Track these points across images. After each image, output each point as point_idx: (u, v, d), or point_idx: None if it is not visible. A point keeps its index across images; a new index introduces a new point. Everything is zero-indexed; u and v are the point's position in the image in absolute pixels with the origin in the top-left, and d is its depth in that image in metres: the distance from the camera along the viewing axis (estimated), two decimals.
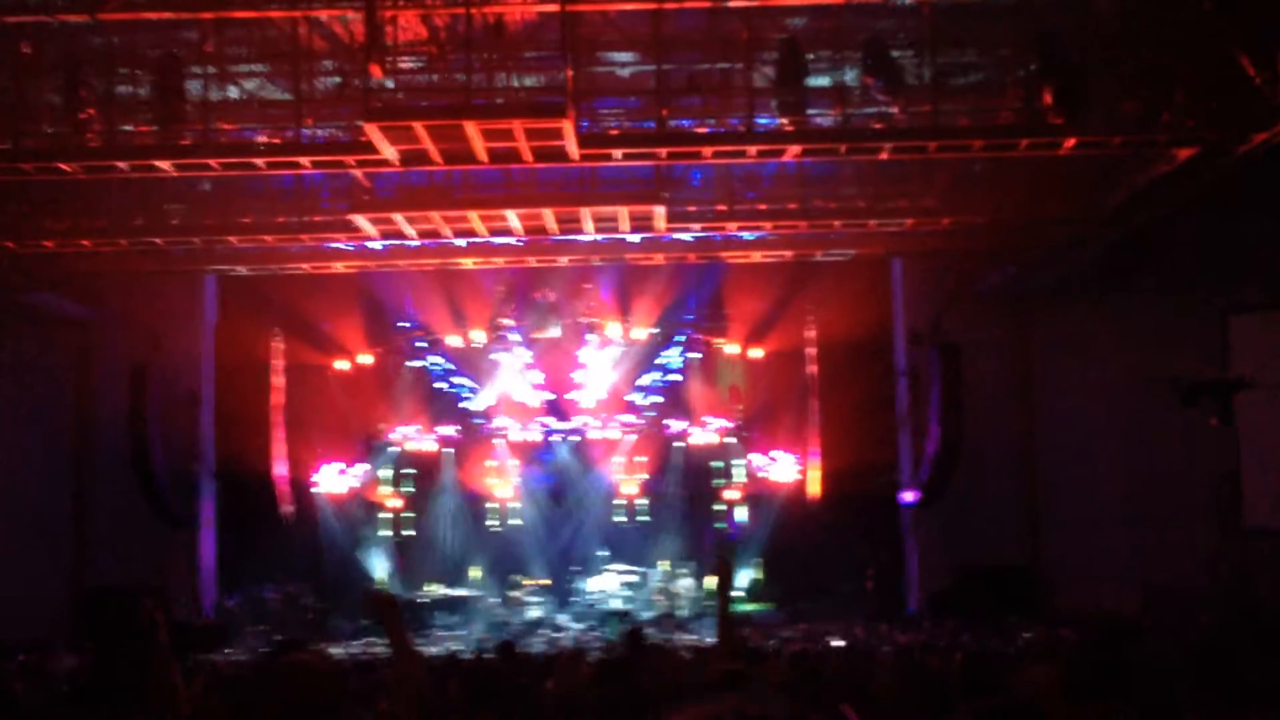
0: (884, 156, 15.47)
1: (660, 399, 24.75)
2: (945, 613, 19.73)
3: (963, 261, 20.30)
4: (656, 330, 24.18)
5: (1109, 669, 4.97)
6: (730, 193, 18.38)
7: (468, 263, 21.28)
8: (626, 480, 24.71)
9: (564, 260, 21.50)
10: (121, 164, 15.17)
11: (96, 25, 14.34)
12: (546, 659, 12.87)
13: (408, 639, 4.82)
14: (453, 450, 24.84)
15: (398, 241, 19.06)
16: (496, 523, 24.73)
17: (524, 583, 23.30)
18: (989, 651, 12.78)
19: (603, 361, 24.42)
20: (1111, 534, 19.47)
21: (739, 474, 24.63)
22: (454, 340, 23.98)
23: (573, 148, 14.40)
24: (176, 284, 21.41)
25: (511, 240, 19.33)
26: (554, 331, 23.52)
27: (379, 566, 24.11)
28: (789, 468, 23.93)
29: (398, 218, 17.58)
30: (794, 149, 15.12)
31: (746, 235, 19.72)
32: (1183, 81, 14.01)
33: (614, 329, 23.97)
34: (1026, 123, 14.75)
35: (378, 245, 19.52)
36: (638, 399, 24.73)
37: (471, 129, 13.73)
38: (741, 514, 24.55)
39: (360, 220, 17.61)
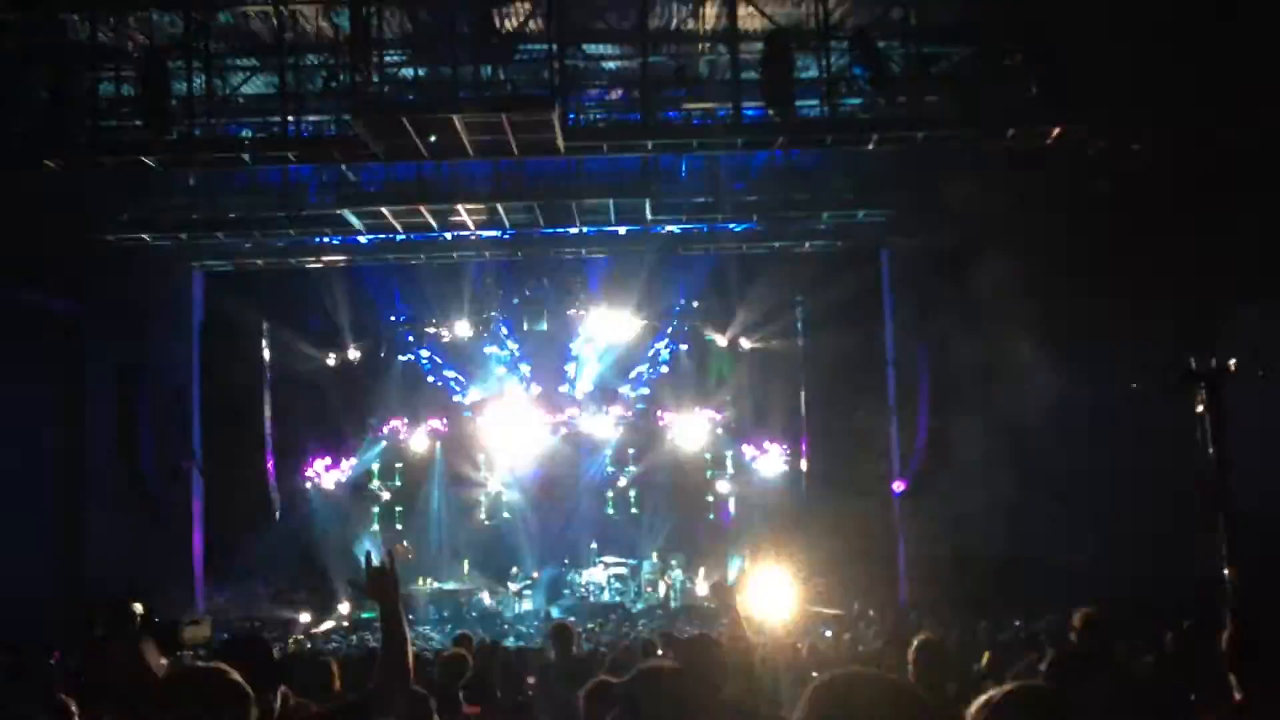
0: (871, 147, 15.46)
1: (650, 390, 24.75)
2: (935, 603, 19.73)
3: (951, 251, 20.26)
4: (645, 322, 24.16)
5: (1097, 657, 4.98)
6: (718, 184, 18.36)
7: (456, 256, 21.23)
8: (617, 472, 24.70)
9: (552, 253, 21.46)
10: (107, 159, 15.10)
11: (82, 20, 14.28)
12: (526, 653, 12.85)
13: (404, 625, 4.69)
14: (442, 443, 24.81)
15: (386, 235, 19.01)
16: (486, 516, 24.71)
17: (515, 575, 23.27)
18: (977, 642, 12.81)
19: (592, 354, 24.40)
20: (1102, 522, 19.46)
21: (729, 465, 24.65)
22: (443, 333, 23.94)
23: (560, 140, 14.36)
24: (164, 279, 21.29)
25: (499, 233, 19.30)
26: (543, 324, 23.48)
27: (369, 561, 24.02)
28: (778, 459, 23.94)
29: (385, 211, 17.53)
30: (781, 140, 15.10)
31: (734, 226, 19.70)
32: (1174, 68, 14.01)
33: (603, 321, 23.94)
34: (1014, 112, 14.75)
35: (365, 239, 19.47)
36: (627, 391, 24.72)
37: (458, 122, 13.69)
38: (731, 505, 24.57)
39: (348, 214, 17.55)
